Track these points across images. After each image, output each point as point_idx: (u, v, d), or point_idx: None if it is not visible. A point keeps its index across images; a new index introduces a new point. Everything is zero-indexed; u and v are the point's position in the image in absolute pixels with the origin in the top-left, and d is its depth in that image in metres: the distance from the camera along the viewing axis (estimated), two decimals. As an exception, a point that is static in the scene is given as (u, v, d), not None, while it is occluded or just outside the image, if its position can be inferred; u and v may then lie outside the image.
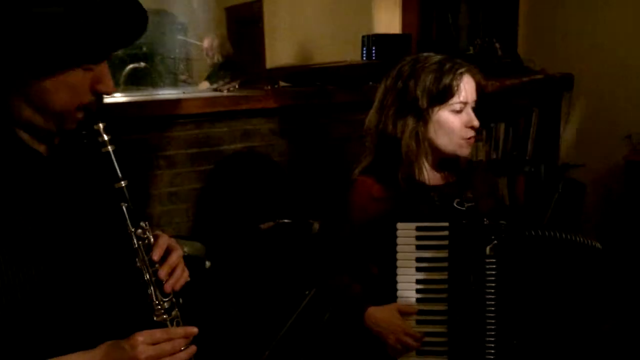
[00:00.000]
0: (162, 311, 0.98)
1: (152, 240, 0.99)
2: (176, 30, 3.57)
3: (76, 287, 0.97)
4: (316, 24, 3.78)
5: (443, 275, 1.39)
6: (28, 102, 0.92)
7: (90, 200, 1.01)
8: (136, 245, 0.97)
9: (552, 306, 1.37)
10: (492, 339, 1.34)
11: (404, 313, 1.41)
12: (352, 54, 3.05)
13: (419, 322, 1.42)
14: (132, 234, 0.97)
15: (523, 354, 1.36)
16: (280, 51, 4.14)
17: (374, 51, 2.77)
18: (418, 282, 1.41)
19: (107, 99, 2.06)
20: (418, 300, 1.42)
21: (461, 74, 1.44)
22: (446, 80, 1.43)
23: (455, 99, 1.44)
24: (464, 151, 1.50)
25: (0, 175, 0.92)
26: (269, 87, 2.47)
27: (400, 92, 1.47)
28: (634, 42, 2.82)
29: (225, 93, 2.41)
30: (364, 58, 2.78)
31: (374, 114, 1.53)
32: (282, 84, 2.73)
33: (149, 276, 0.98)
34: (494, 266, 1.33)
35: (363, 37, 2.82)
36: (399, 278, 1.41)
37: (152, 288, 0.98)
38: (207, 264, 2.25)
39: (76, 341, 0.95)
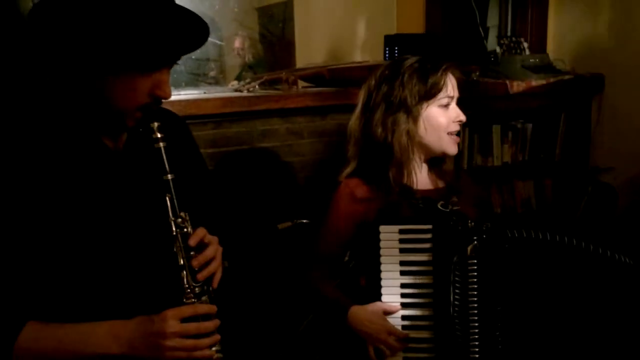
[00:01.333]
0: (192, 295, 1.08)
1: (190, 230, 1.10)
2: (210, 31, 3.63)
3: (117, 265, 1.09)
4: (343, 24, 3.78)
5: (428, 279, 1.38)
6: (96, 99, 1.03)
7: (146, 190, 1.13)
8: (174, 233, 1.08)
9: (539, 308, 1.35)
10: (476, 342, 1.32)
11: (388, 313, 1.41)
12: (377, 54, 3.05)
13: (404, 327, 1.40)
14: (172, 222, 1.08)
15: (508, 356, 1.34)
16: (309, 52, 4.16)
17: (396, 51, 2.76)
18: (403, 286, 1.40)
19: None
20: (403, 305, 1.41)
21: (445, 69, 1.49)
22: (432, 77, 1.48)
23: (442, 94, 1.49)
24: (452, 148, 1.52)
25: (68, 164, 1.06)
26: (288, 88, 2.48)
27: (386, 93, 1.49)
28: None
29: (245, 93, 2.44)
30: (387, 58, 2.77)
31: (357, 118, 1.55)
32: (303, 84, 2.75)
33: (183, 261, 1.08)
34: (475, 267, 1.32)
35: (385, 37, 2.81)
36: (383, 282, 1.41)
37: (184, 272, 1.08)
38: (225, 263, 2.30)
39: (115, 312, 1.07)
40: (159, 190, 1.09)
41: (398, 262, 1.40)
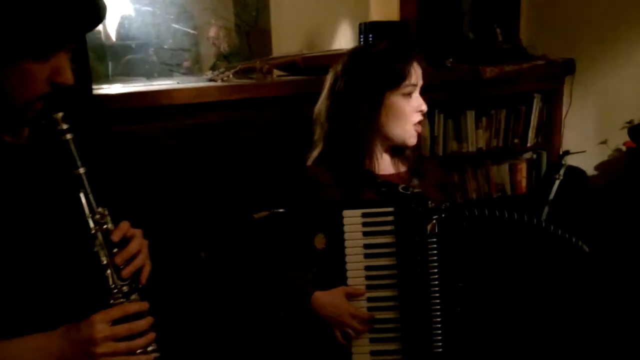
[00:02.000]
0: (120, 295, 1.01)
1: (110, 226, 1.03)
2: (182, 20, 3.57)
3: (36, 271, 1.01)
4: (319, 12, 3.76)
5: (391, 261, 1.41)
6: None
7: (56, 187, 1.05)
8: (93, 230, 1.02)
9: (498, 284, 1.38)
10: (438, 318, 1.36)
11: (352, 295, 1.43)
12: (352, 42, 3.04)
13: (370, 309, 1.43)
14: (90, 219, 1.02)
15: (472, 336, 1.37)
16: (285, 40, 4.14)
17: (370, 39, 2.76)
18: (367, 268, 1.42)
19: (98, 91, 2.10)
20: (368, 287, 1.43)
21: (411, 58, 1.50)
22: (398, 64, 1.49)
23: (406, 82, 1.49)
24: (413, 139, 1.54)
25: None
26: (262, 77, 2.47)
27: (351, 79, 1.50)
28: (636, 27, 2.76)
29: (219, 83, 2.43)
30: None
31: (323, 102, 1.56)
32: (278, 73, 2.74)
33: (106, 260, 1.02)
34: (435, 245, 1.35)
35: (360, 24, 2.81)
36: (348, 266, 1.43)
37: (109, 271, 1.01)
38: (202, 254, 2.29)
39: (37, 323, 0.98)
40: (72, 186, 1.02)
41: (362, 245, 1.42)
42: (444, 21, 3.22)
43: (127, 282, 1.03)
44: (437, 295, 1.35)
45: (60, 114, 1.00)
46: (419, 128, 1.54)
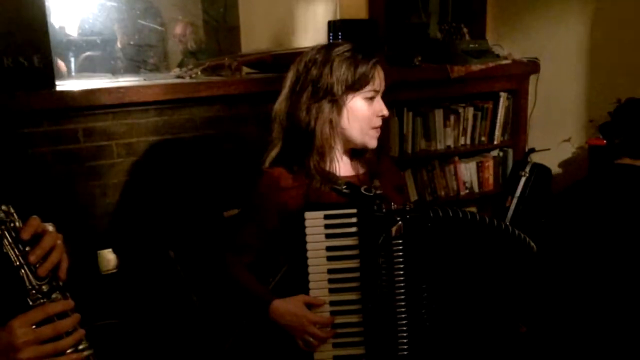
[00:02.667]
0: (39, 295, 0.95)
1: (18, 223, 0.96)
2: (149, 16, 3.51)
3: None
4: (287, 10, 3.75)
5: (355, 263, 1.38)
6: None
7: None
8: None
9: (461, 284, 1.39)
10: (403, 321, 1.34)
11: (311, 305, 1.40)
12: (321, 40, 3.04)
13: (333, 312, 1.40)
14: None
15: (436, 336, 1.37)
16: (254, 38, 4.11)
17: (340, 37, 2.76)
18: (330, 271, 1.39)
19: (60, 87, 2.05)
20: (331, 290, 1.40)
21: (375, 63, 1.48)
22: (362, 69, 1.46)
23: (369, 87, 1.47)
24: (373, 142, 1.52)
25: None
26: (231, 74, 2.45)
27: (314, 78, 1.46)
28: (598, 27, 2.83)
29: (187, 80, 2.39)
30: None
31: (284, 100, 1.52)
32: (247, 70, 2.72)
33: (18, 260, 0.95)
34: (400, 247, 1.32)
35: (329, 22, 2.81)
36: (310, 269, 1.39)
37: (23, 271, 0.95)
38: (171, 253, 2.26)
39: None
40: None
41: (324, 247, 1.38)
42: (412, 20, 3.25)
43: (46, 281, 0.96)
44: (402, 297, 1.33)
45: None
46: (379, 131, 1.52)
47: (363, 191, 1.46)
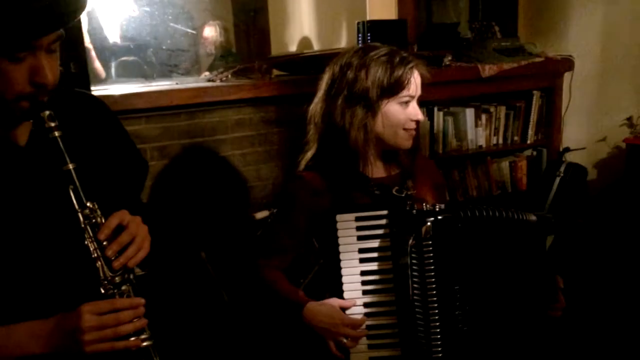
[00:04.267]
0: (110, 286, 1.04)
1: (100, 220, 1.05)
2: (181, 21, 3.57)
3: (36, 263, 1.06)
4: (317, 12, 3.77)
5: (387, 265, 1.37)
6: None
7: (54, 183, 1.07)
8: (83, 225, 1.04)
9: (499, 287, 1.36)
10: (437, 324, 1.32)
11: (345, 308, 1.39)
12: (350, 41, 3.04)
13: (367, 314, 1.39)
14: (79, 213, 1.04)
15: (472, 338, 1.34)
16: (283, 40, 4.14)
17: (369, 38, 2.75)
18: (363, 273, 1.39)
19: (97, 92, 2.10)
20: (364, 292, 1.39)
21: (412, 67, 1.45)
22: (398, 73, 1.44)
23: (405, 92, 1.45)
24: (407, 144, 1.51)
25: None
26: (261, 76, 2.47)
27: (350, 82, 1.46)
28: (634, 23, 2.76)
29: (217, 83, 2.43)
30: (360, 45, 2.77)
31: (319, 102, 1.51)
32: (277, 72, 2.74)
33: (96, 252, 1.04)
34: (431, 248, 1.30)
35: (358, 23, 2.81)
36: (343, 271, 1.39)
37: (99, 263, 1.04)
38: (203, 254, 2.30)
39: (33, 313, 1.04)
40: (66, 182, 1.04)
41: (357, 249, 1.38)
42: (442, 19, 3.23)
43: (119, 273, 1.05)
44: (435, 299, 1.31)
45: (47, 113, 1.02)
46: (414, 133, 1.51)
47: (394, 192, 1.46)
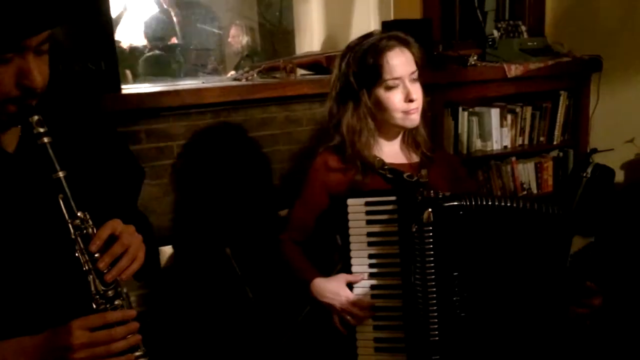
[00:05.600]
0: (103, 300, 0.99)
1: (92, 230, 1.00)
2: (207, 21, 3.62)
3: (19, 277, 1.00)
4: (341, 11, 3.78)
5: (395, 249, 1.41)
6: None
7: (43, 192, 1.02)
8: (73, 236, 0.98)
9: (499, 275, 1.35)
10: (434, 308, 1.33)
11: (352, 282, 1.44)
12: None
13: (374, 296, 1.44)
14: (69, 224, 0.98)
15: (470, 324, 1.34)
16: (308, 40, 4.16)
17: (394, 37, 2.75)
18: (371, 256, 1.44)
19: (125, 90, 2.15)
20: (372, 274, 1.44)
21: (382, 51, 1.46)
22: (370, 61, 1.46)
23: (386, 77, 1.47)
24: (410, 122, 1.52)
25: None
26: (286, 76, 2.49)
27: (338, 75, 1.53)
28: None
29: (243, 82, 2.46)
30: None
31: (328, 99, 1.59)
32: (301, 72, 2.76)
33: (87, 265, 0.99)
34: (431, 234, 1.32)
35: (383, 22, 2.81)
36: (352, 253, 1.45)
37: (91, 277, 0.99)
38: (228, 251, 2.32)
39: (22, 328, 0.98)
40: (56, 190, 0.98)
41: (366, 233, 1.43)
42: (468, 18, 3.21)
43: (111, 287, 1.00)
44: (433, 284, 1.33)
45: (35, 118, 0.96)
46: (416, 111, 1.51)
47: (405, 177, 1.50)
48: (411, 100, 1.48)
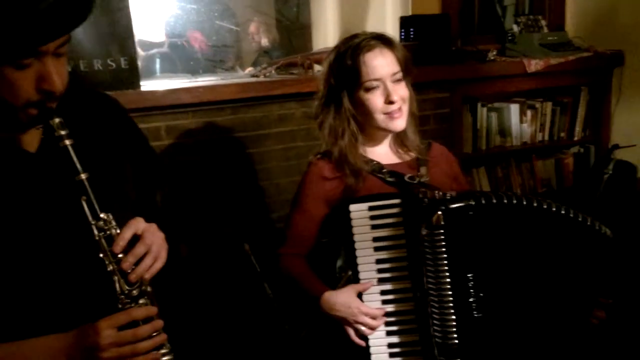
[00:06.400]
0: (128, 300, 1.01)
1: (115, 231, 1.01)
2: (225, 17, 3.63)
3: (45, 278, 1.02)
4: (359, 6, 3.76)
5: (402, 253, 1.38)
6: None
7: (66, 193, 1.02)
8: (97, 237, 1.00)
9: (514, 275, 1.33)
10: (452, 311, 1.31)
11: (362, 291, 1.41)
12: (393, 36, 3.01)
13: (384, 302, 1.41)
14: (93, 225, 1.00)
15: (487, 325, 1.33)
16: (326, 35, 4.15)
17: (411, 32, 2.74)
18: (378, 261, 1.40)
19: (143, 87, 2.16)
20: (380, 280, 1.41)
21: (360, 52, 1.42)
22: (348, 62, 1.43)
23: (364, 78, 1.43)
24: (395, 126, 1.47)
25: None
26: (304, 72, 2.49)
27: (324, 78, 1.51)
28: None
29: (261, 79, 2.46)
30: (402, 39, 2.76)
31: (315, 98, 1.56)
32: (319, 68, 2.75)
33: (112, 266, 1.00)
34: (442, 237, 1.29)
35: (401, 18, 2.80)
36: (359, 260, 1.41)
37: (115, 278, 1.01)
38: (246, 246, 2.33)
39: (48, 327, 1.00)
40: (78, 192, 0.99)
41: (371, 238, 1.39)
42: (487, 13, 3.17)
43: (136, 286, 1.02)
44: (448, 286, 1.30)
45: (56, 120, 0.97)
46: (399, 113, 1.46)
47: (407, 179, 1.46)
48: (391, 102, 1.44)
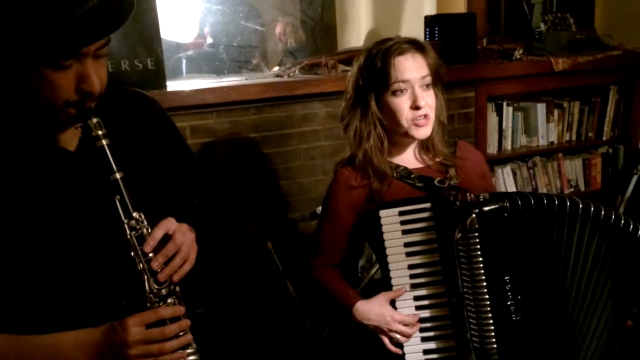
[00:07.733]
0: (156, 299, 1.02)
1: (146, 231, 1.02)
2: (250, 18, 3.66)
3: (84, 273, 1.05)
4: (384, 6, 3.75)
5: (435, 257, 1.36)
6: (28, 98, 0.96)
7: (102, 192, 1.04)
8: (128, 236, 1.01)
9: (551, 277, 1.30)
10: (489, 315, 1.29)
11: (395, 298, 1.39)
12: (418, 36, 3.01)
13: (418, 307, 1.39)
14: (125, 224, 1.01)
15: (526, 328, 1.30)
16: (350, 36, 4.15)
17: (436, 32, 2.73)
18: (410, 267, 1.38)
19: (170, 87, 2.20)
20: (413, 285, 1.38)
21: (391, 55, 1.40)
22: (378, 65, 1.41)
23: (392, 81, 1.40)
24: (418, 133, 1.44)
25: (16, 169, 1.00)
26: (327, 72, 2.50)
27: (353, 79, 1.49)
28: None
29: (285, 78, 2.48)
30: (427, 39, 2.74)
31: (343, 99, 1.54)
32: (343, 68, 2.76)
33: (142, 265, 1.02)
34: (477, 240, 1.27)
35: (426, 17, 2.78)
36: (390, 266, 1.39)
37: (145, 277, 1.02)
38: (269, 245, 2.35)
39: (79, 322, 1.02)
40: (113, 190, 1.01)
41: (402, 244, 1.38)
42: (514, 11, 3.14)
43: (164, 286, 1.03)
44: (485, 290, 1.28)
45: (94, 120, 0.99)
46: (421, 122, 1.42)
47: (436, 183, 1.44)
48: (417, 108, 1.41)
